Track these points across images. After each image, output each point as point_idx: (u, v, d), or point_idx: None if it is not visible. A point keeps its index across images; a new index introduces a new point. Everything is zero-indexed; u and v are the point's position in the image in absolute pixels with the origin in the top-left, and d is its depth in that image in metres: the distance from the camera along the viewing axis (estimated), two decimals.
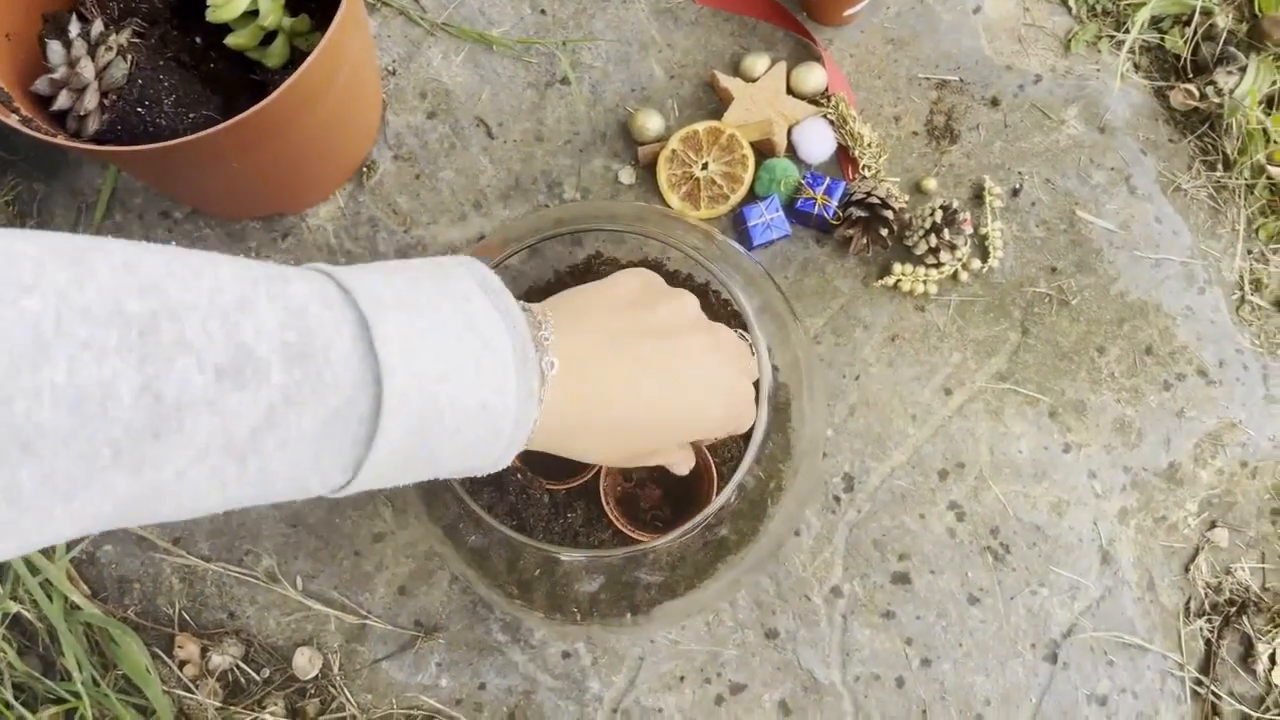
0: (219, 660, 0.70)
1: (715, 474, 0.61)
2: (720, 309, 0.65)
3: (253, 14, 0.65)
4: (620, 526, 0.60)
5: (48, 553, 0.69)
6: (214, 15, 0.64)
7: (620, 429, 0.48)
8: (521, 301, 0.45)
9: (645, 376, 0.48)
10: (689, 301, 0.52)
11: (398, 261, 0.42)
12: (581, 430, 0.47)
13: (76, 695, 0.67)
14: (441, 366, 0.38)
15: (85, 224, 0.77)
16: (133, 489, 0.31)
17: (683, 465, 0.56)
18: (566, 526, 0.62)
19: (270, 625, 0.71)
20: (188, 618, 0.71)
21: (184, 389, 0.31)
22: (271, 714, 0.69)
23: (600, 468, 0.62)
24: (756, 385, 0.56)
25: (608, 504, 0.61)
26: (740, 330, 0.56)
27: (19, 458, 0.28)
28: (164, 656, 0.70)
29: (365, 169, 0.78)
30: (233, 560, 0.72)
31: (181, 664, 0.70)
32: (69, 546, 0.70)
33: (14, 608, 0.68)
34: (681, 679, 0.70)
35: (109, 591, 0.71)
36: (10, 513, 0.28)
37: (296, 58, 0.69)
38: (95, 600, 0.71)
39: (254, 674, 0.70)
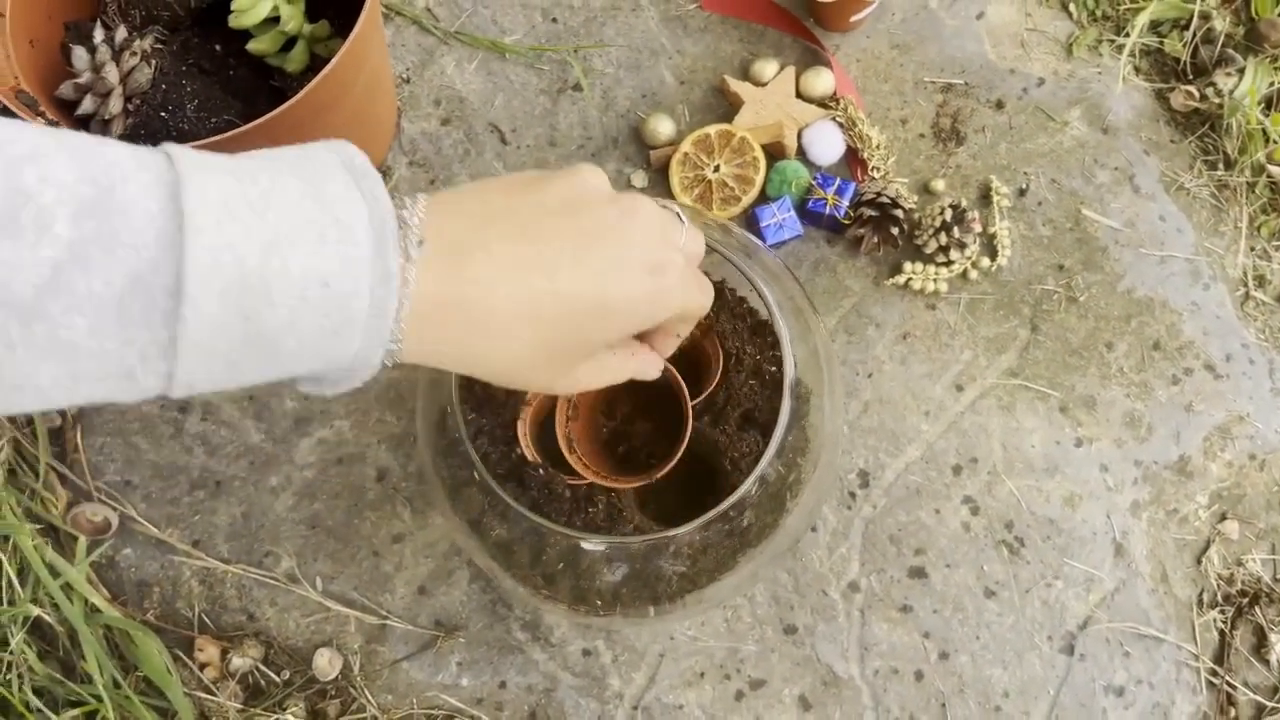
0: (239, 662, 0.70)
1: (720, 361, 0.59)
2: (736, 305, 0.66)
3: (274, 20, 0.66)
4: (594, 477, 0.56)
5: (69, 556, 0.70)
6: (236, 21, 0.65)
7: (525, 323, 0.40)
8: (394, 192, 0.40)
9: (542, 254, 0.41)
10: (592, 172, 0.44)
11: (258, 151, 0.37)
12: (478, 329, 0.40)
13: (98, 698, 0.67)
14: (270, 235, 0.33)
15: None
16: None
17: (649, 368, 0.50)
18: (588, 520, 0.62)
19: (290, 627, 0.71)
20: (207, 620, 0.71)
21: None
22: (293, 715, 0.69)
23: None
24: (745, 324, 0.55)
25: (572, 454, 0.55)
26: (667, 203, 0.49)
27: None
28: (185, 658, 0.70)
29: (381, 175, 0.79)
30: (252, 562, 0.72)
31: (202, 666, 0.70)
32: (89, 549, 0.70)
33: (35, 611, 0.68)
34: (701, 675, 0.70)
35: (128, 595, 0.71)
36: None
37: (315, 63, 0.70)
38: (115, 604, 0.71)
39: (274, 676, 0.70)
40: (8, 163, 0.29)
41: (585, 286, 0.41)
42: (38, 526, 0.70)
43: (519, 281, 0.40)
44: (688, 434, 0.52)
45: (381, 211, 0.36)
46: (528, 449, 0.62)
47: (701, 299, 0.48)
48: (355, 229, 0.35)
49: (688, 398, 0.54)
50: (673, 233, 0.46)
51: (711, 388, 0.61)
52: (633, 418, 0.60)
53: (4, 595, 0.68)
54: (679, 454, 0.52)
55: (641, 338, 0.51)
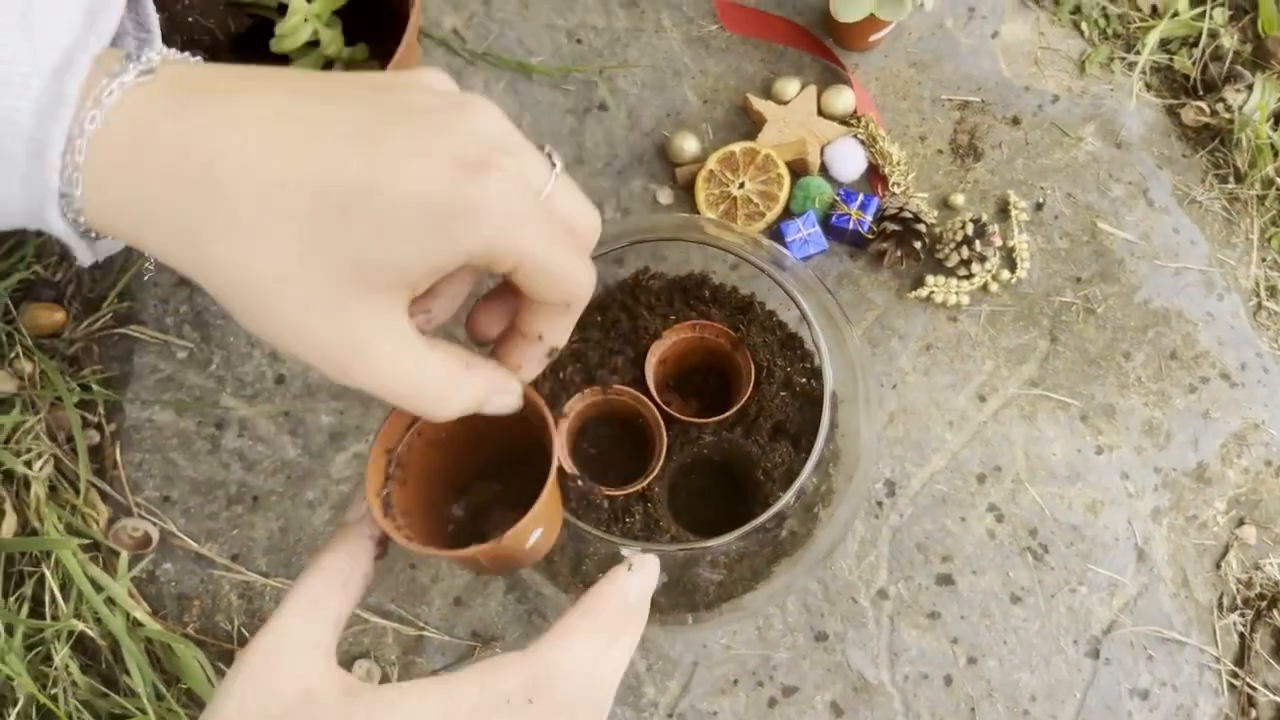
0: None
1: (752, 374, 0.57)
2: (765, 319, 0.68)
3: (314, 44, 0.68)
4: (418, 548, 0.39)
5: (111, 572, 0.71)
6: (278, 46, 0.66)
7: (266, 198, 0.29)
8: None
9: (315, 111, 0.30)
10: (437, 74, 0.34)
11: None
12: (196, 193, 0.29)
13: (142, 710, 0.68)
14: None
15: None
16: None
17: (499, 393, 0.37)
18: (625, 530, 0.63)
19: None
20: (246, 633, 0.72)
21: None
22: None
23: (652, 474, 0.63)
24: (759, 363, 0.53)
25: (388, 519, 0.39)
26: (547, 146, 0.36)
27: None
28: (226, 670, 0.71)
29: None
30: (291, 575, 0.73)
31: None
32: (130, 564, 0.71)
33: (78, 626, 0.69)
34: (735, 682, 0.71)
35: (169, 609, 0.72)
36: None
37: None
38: (156, 617, 0.72)
39: None
40: None
41: (359, 164, 0.29)
42: (80, 542, 0.71)
43: (269, 136, 0.29)
44: (545, 492, 0.38)
45: (93, 32, 0.29)
46: (565, 460, 0.63)
47: (565, 260, 0.34)
48: (41, 40, 0.28)
49: (554, 441, 0.39)
50: (525, 158, 0.33)
51: (743, 400, 0.63)
52: (489, 507, 0.47)
53: (48, 610, 0.69)
54: (532, 515, 0.38)
55: (498, 353, 0.39)
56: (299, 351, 0.32)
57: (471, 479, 0.50)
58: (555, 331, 0.37)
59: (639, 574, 0.41)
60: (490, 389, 0.36)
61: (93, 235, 0.31)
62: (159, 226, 0.30)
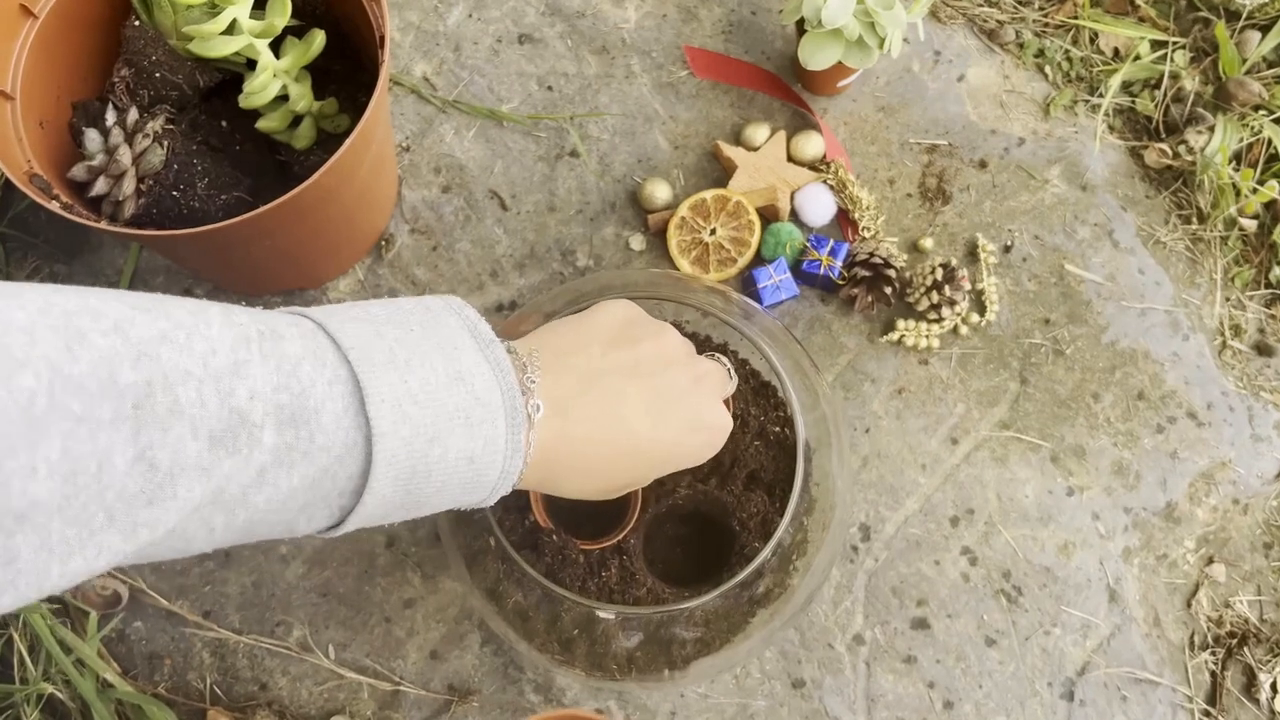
0: None
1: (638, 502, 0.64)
2: (738, 368, 0.68)
3: (283, 99, 0.68)
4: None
5: (80, 632, 0.70)
6: (247, 101, 0.66)
7: (604, 468, 0.49)
8: (507, 343, 0.46)
9: (628, 417, 0.48)
10: (671, 337, 0.52)
11: (384, 304, 0.42)
12: (566, 471, 0.48)
13: None
14: (432, 427, 0.39)
15: None
16: (127, 548, 0.32)
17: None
18: (601, 585, 0.63)
19: (303, 696, 0.71)
20: (219, 692, 0.71)
21: (178, 456, 0.31)
22: None
23: (628, 527, 0.64)
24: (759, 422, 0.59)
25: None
26: (717, 354, 0.58)
27: (14, 526, 0.28)
28: None
29: (383, 243, 0.80)
30: (264, 632, 0.72)
31: None
32: (100, 625, 0.70)
33: (48, 689, 0.68)
34: None
35: (139, 668, 0.72)
36: (8, 573, 0.29)
37: (322, 138, 0.72)
38: (126, 678, 0.71)
39: None
40: (217, 379, 0.33)
41: (658, 446, 0.50)
42: (49, 605, 0.70)
43: (606, 443, 0.48)
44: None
45: (509, 385, 0.42)
46: (540, 516, 0.63)
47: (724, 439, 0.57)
48: (492, 407, 0.41)
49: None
50: (725, 386, 0.55)
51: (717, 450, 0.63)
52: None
53: (16, 674, 0.68)
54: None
55: None
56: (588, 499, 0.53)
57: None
58: None
59: None
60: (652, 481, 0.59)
61: None
62: (540, 482, 0.48)
